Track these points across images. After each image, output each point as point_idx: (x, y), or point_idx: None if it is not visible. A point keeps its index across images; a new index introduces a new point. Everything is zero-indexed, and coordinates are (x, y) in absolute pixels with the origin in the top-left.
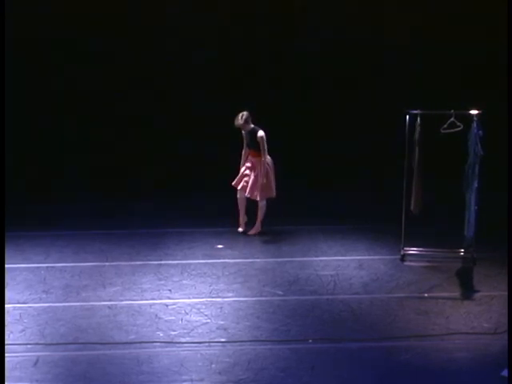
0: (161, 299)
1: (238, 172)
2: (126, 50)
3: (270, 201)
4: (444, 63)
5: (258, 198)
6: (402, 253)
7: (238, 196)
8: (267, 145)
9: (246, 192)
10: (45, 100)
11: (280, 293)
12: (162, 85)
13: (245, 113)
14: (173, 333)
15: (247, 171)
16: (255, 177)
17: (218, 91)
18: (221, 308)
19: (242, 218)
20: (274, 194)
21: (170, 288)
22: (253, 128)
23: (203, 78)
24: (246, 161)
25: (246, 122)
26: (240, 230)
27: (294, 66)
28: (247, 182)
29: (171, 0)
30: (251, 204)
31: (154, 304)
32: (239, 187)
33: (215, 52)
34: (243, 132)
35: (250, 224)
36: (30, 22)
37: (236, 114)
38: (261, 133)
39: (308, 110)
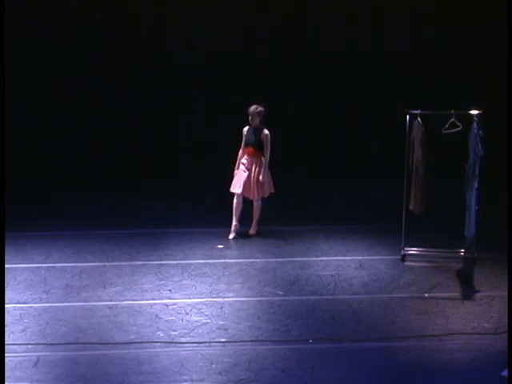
0: (161, 299)
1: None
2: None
3: (269, 200)
4: (444, 63)
5: (255, 198)
6: (402, 253)
7: (235, 201)
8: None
9: (248, 194)
10: (45, 99)
11: (280, 293)
12: (162, 85)
13: (262, 108)
14: (173, 333)
15: (243, 172)
16: (256, 176)
17: (219, 91)
18: (221, 308)
19: (235, 224)
20: (266, 194)
21: (170, 288)
22: (259, 125)
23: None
24: (240, 161)
25: (258, 115)
26: (231, 236)
27: (291, 66)
28: (247, 183)
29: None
30: (247, 205)
31: (155, 304)
32: (239, 191)
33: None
34: (244, 130)
35: (246, 226)
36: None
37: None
38: (267, 131)
39: (308, 110)
